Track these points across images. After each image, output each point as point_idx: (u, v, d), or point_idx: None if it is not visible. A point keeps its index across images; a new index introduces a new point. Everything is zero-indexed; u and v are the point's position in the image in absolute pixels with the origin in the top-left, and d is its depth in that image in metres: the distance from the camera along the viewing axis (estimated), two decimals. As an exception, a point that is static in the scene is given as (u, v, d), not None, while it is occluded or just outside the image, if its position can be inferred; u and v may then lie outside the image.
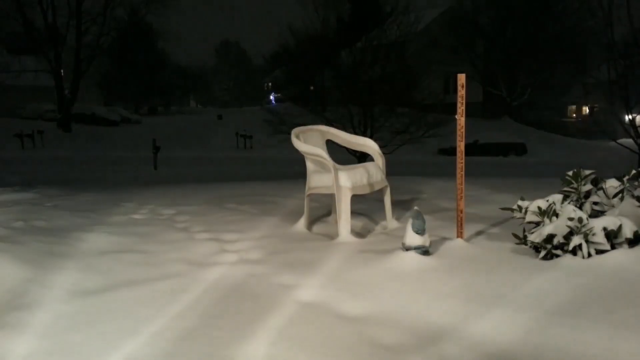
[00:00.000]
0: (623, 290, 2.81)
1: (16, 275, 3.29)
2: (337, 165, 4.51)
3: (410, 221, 3.50)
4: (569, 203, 3.53)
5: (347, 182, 4.38)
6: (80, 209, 5.76)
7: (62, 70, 30.42)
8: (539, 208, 3.50)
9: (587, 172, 3.70)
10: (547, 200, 3.55)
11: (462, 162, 3.80)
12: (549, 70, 37.70)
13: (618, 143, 17.97)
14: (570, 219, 3.22)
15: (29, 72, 31.46)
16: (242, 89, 79.68)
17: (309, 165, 4.68)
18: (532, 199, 3.65)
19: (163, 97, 54.46)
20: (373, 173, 4.63)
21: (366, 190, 4.54)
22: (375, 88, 18.40)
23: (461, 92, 3.72)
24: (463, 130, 3.77)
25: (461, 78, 3.74)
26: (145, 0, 34.71)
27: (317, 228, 4.78)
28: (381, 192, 4.73)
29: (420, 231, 3.47)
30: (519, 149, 29.38)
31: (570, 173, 3.71)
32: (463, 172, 3.80)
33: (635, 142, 16.61)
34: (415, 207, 3.58)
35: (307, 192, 4.67)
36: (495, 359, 2.37)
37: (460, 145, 3.79)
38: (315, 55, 20.46)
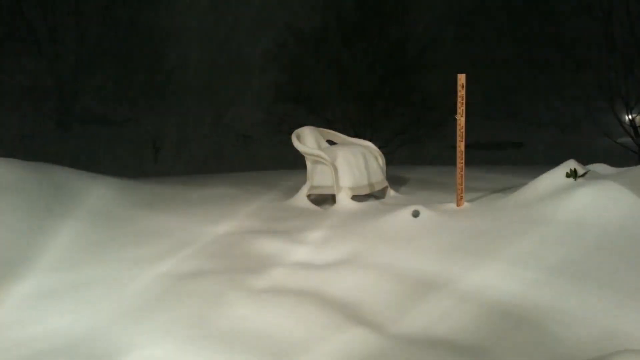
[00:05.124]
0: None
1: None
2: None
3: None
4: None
5: (348, 182, 4.39)
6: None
7: (61, 70, 30.36)
8: None
9: (582, 171, 3.68)
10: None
11: (462, 163, 3.80)
12: (548, 69, 37.70)
13: (617, 143, 17.93)
14: None
15: (28, 72, 31.35)
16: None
17: (309, 165, 4.70)
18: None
19: (163, 97, 54.47)
20: (373, 172, 4.64)
21: (366, 191, 4.56)
22: (375, 88, 18.36)
23: (461, 92, 3.72)
24: (463, 130, 3.77)
25: (461, 78, 3.74)
26: (145, 0, 34.65)
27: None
28: (381, 191, 4.75)
29: (420, 231, 3.49)
30: (518, 148, 29.45)
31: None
32: (463, 172, 3.80)
33: (635, 142, 16.58)
34: (416, 208, 3.59)
35: (308, 192, 4.68)
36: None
37: (460, 146, 3.79)
38: (315, 55, 20.43)
